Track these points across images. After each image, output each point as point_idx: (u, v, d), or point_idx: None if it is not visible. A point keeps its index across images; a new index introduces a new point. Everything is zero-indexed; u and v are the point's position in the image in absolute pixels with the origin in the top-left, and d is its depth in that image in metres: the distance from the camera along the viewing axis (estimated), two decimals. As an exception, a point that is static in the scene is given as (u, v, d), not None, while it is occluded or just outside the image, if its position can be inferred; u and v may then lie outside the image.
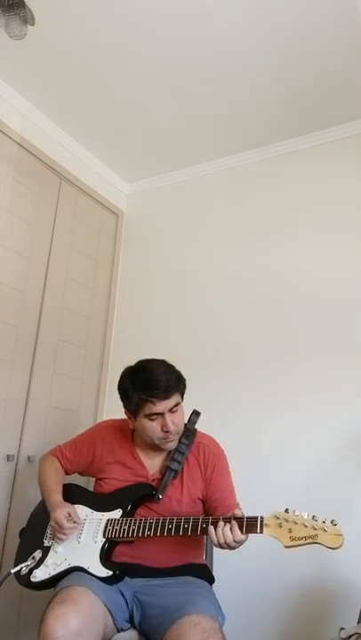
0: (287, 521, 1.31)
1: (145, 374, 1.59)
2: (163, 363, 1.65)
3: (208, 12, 1.92)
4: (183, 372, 1.66)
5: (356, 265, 2.25)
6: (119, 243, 3.01)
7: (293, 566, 1.98)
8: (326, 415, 2.13)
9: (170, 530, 1.44)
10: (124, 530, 1.51)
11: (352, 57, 2.07)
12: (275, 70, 2.16)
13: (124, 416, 1.69)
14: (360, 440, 2.04)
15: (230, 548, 1.37)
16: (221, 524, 1.38)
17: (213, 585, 1.63)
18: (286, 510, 1.34)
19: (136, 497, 1.60)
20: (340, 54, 2.06)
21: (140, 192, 3.08)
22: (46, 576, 1.52)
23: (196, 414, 1.73)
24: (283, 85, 2.24)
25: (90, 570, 1.48)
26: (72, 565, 1.51)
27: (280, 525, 1.32)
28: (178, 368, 1.65)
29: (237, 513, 1.41)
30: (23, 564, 1.58)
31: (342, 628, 1.61)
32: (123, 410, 1.67)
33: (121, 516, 1.56)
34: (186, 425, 1.69)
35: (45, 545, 1.61)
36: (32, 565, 1.57)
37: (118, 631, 1.44)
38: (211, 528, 1.38)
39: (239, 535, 1.35)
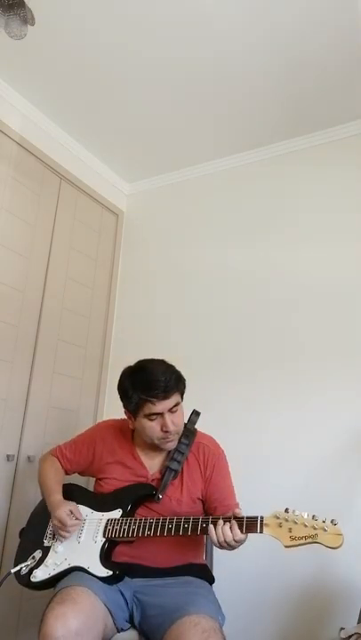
0: (287, 520, 1.31)
1: (144, 374, 1.59)
2: (162, 363, 1.65)
3: (208, 12, 1.92)
4: (183, 372, 1.66)
5: (356, 265, 2.25)
6: (119, 243, 3.01)
7: (293, 566, 1.98)
8: (326, 415, 2.13)
9: (170, 530, 1.44)
10: (124, 530, 1.51)
11: (352, 57, 2.07)
12: (275, 70, 2.16)
13: (123, 416, 1.69)
14: (360, 440, 2.04)
15: (230, 547, 1.38)
16: (221, 522, 1.38)
17: (213, 585, 1.63)
18: (286, 510, 1.34)
19: (136, 497, 1.60)
20: (340, 54, 2.06)
21: (140, 192, 3.08)
22: (46, 576, 1.53)
23: (196, 414, 1.73)
24: (283, 85, 2.25)
25: (90, 570, 1.48)
26: (72, 565, 1.51)
27: (280, 525, 1.32)
28: (178, 368, 1.65)
29: (237, 513, 1.41)
30: (23, 564, 1.58)
31: (342, 628, 1.61)
32: (123, 410, 1.67)
33: (121, 516, 1.56)
34: (186, 425, 1.69)
35: (45, 545, 1.61)
36: (32, 565, 1.57)
37: (118, 631, 1.44)
38: (211, 527, 1.38)
39: (239, 535, 1.35)
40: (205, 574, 1.63)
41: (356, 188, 2.36)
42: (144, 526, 1.48)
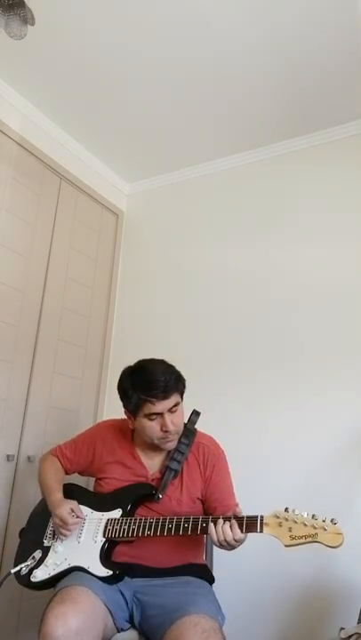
0: (287, 520, 1.31)
1: (144, 374, 1.59)
2: (162, 363, 1.65)
3: (208, 12, 1.92)
4: (183, 372, 1.66)
5: (356, 265, 2.25)
6: (119, 243, 3.01)
7: (293, 566, 1.98)
8: (326, 415, 2.13)
9: (170, 529, 1.44)
10: (124, 529, 1.51)
11: (352, 57, 2.07)
12: (275, 70, 2.16)
13: (123, 416, 1.69)
14: (360, 440, 2.04)
15: (230, 547, 1.38)
16: (221, 522, 1.38)
17: (213, 585, 1.63)
18: (286, 509, 1.34)
19: (136, 497, 1.60)
20: (340, 54, 2.06)
21: (140, 192, 3.08)
22: (46, 576, 1.53)
23: (195, 414, 1.73)
24: (283, 85, 2.25)
25: (90, 569, 1.48)
26: (72, 565, 1.51)
27: (280, 524, 1.32)
28: (178, 368, 1.65)
29: (238, 512, 1.41)
30: (23, 564, 1.58)
31: (342, 628, 1.61)
32: (123, 410, 1.67)
33: (121, 516, 1.56)
34: (186, 425, 1.69)
35: (45, 545, 1.61)
36: (32, 565, 1.57)
37: (118, 631, 1.44)
38: (211, 526, 1.38)
39: (239, 534, 1.35)
40: (205, 574, 1.63)
41: (356, 188, 2.36)
42: (144, 526, 1.48)
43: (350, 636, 1.52)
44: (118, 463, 1.69)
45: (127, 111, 2.47)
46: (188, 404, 1.69)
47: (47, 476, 1.72)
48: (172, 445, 1.63)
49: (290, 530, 1.30)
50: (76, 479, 1.81)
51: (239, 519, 1.37)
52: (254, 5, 1.88)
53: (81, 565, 1.50)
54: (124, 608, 1.48)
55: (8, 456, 2.17)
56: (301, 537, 1.28)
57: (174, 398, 1.58)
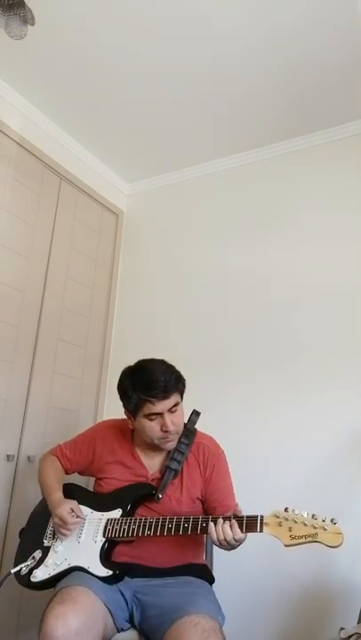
0: (287, 520, 1.31)
1: (144, 374, 1.59)
2: (162, 363, 1.65)
3: (208, 12, 1.92)
4: (183, 372, 1.65)
5: (356, 265, 2.25)
6: (119, 243, 3.01)
7: (293, 566, 1.98)
8: (326, 415, 2.13)
9: (170, 529, 1.44)
10: (124, 529, 1.51)
11: (352, 57, 2.07)
12: (275, 70, 2.16)
13: (123, 416, 1.69)
14: (360, 440, 2.04)
15: (230, 546, 1.38)
16: (221, 521, 1.38)
17: (213, 585, 1.63)
18: (286, 509, 1.34)
19: (136, 496, 1.60)
20: (340, 54, 2.06)
21: (140, 192, 3.08)
22: (46, 576, 1.53)
23: (195, 414, 1.73)
24: (283, 85, 2.25)
25: (90, 569, 1.48)
26: (72, 565, 1.51)
27: (280, 524, 1.32)
28: (178, 368, 1.65)
29: (238, 511, 1.41)
30: (23, 564, 1.58)
31: (342, 628, 1.61)
32: (123, 410, 1.66)
33: (121, 516, 1.56)
34: (186, 425, 1.69)
35: (45, 545, 1.61)
36: (32, 565, 1.57)
37: (118, 631, 1.44)
38: (211, 525, 1.38)
39: (239, 534, 1.35)
40: (205, 574, 1.63)
41: (356, 188, 2.36)
42: (144, 526, 1.48)
43: (350, 636, 1.52)
44: (118, 463, 1.69)
45: (127, 111, 2.47)
46: (188, 403, 1.69)
47: (47, 476, 1.72)
48: (171, 445, 1.63)
49: (290, 529, 1.30)
50: (76, 479, 1.81)
51: (239, 519, 1.37)
52: (254, 5, 1.88)
53: (81, 565, 1.50)
54: (124, 608, 1.48)
55: (8, 456, 2.17)
56: (301, 537, 1.28)
57: (174, 398, 1.58)
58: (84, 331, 2.68)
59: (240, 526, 1.36)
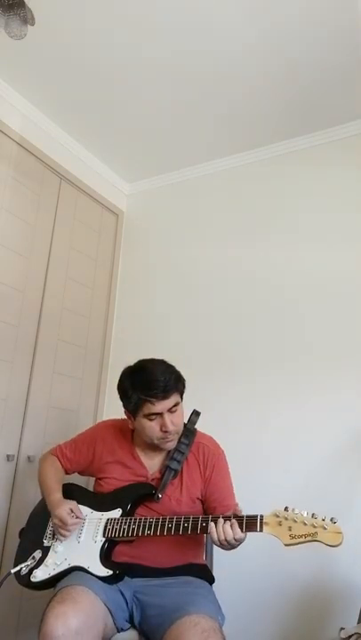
0: (287, 519, 1.31)
1: (144, 374, 1.59)
2: (162, 363, 1.65)
3: (208, 12, 1.92)
4: (183, 372, 1.65)
5: (356, 265, 2.25)
6: (119, 243, 3.01)
7: (293, 565, 1.98)
8: (326, 415, 2.13)
9: (170, 529, 1.44)
10: (124, 529, 1.51)
11: (352, 57, 2.07)
12: (274, 70, 2.16)
13: (123, 416, 1.69)
14: (360, 440, 2.04)
15: (230, 546, 1.38)
16: (221, 521, 1.38)
17: (213, 585, 1.63)
18: (286, 509, 1.34)
19: (136, 496, 1.60)
20: (340, 54, 2.06)
21: (140, 192, 3.08)
22: (46, 576, 1.53)
23: (195, 414, 1.73)
24: (282, 85, 2.25)
25: (90, 569, 1.48)
26: (72, 565, 1.51)
27: (280, 524, 1.32)
28: (178, 368, 1.65)
29: (238, 511, 1.41)
30: (23, 564, 1.58)
31: (342, 628, 1.61)
32: (123, 410, 1.66)
33: (121, 516, 1.56)
34: (186, 425, 1.69)
35: (45, 545, 1.61)
36: (32, 565, 1.57)
37: (118, 631, 1.44)
38: (211, 525, 1.38)
39: (239, 533, 1.35)
40: (205, 574, 1.63)
41: (356, 188, 2.36)
42: (144, 526, 1.48)
43: (350, 636, 1.52)
44: (118, 463, 1.69)
45: (127, 111, 2.47)
46: (188, 403, 1.69)
47: (47, 476, 1.72)
48: (171, 445, 1.63)
49: (290, 529, 1.30)
50: (76, 479, 1.81)
51: (239, 518, 1.37)
52: (254, 5, 1.88)
53: (81, 565, 1.50)
54: (124, 608, 1.48)
55: (8, 456, 2.17)
56: (301, 536, 1.28)
57: (174, 398, 1.58)
58: (84, 331, 2.68)
59: (240, 526, 1.36)
